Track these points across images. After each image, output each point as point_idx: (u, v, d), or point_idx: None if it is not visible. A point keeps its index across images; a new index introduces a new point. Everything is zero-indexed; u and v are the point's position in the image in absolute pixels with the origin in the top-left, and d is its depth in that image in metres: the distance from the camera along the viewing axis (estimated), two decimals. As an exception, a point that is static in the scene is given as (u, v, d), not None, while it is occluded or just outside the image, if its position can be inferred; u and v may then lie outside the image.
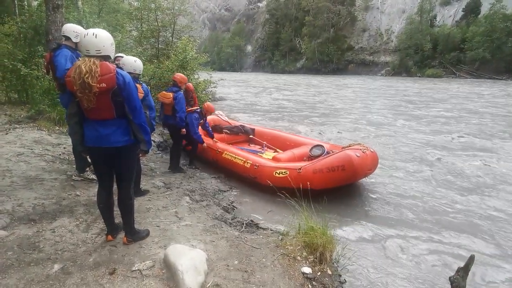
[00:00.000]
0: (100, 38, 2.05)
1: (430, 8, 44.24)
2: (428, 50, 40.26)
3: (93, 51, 2.05)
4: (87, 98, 2.01)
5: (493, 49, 34.14)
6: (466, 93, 19.18)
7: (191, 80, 8.92)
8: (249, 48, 71.29)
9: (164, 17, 11.43)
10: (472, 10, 39.58)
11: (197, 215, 3.21)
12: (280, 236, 2.78)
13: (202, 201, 3.73)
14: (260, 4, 75.62)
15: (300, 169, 4.10)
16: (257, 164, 4.52)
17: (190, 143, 5.23)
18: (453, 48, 38.38)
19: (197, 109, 5.10)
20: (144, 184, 3.87)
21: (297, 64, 55.27)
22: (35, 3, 11.26)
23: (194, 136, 4.97)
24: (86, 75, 1.95)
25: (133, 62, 3.42)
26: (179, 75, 4.68)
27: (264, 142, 6.04)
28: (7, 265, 2.08)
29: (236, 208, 3.94)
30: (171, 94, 4.41)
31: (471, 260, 2.13)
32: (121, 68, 2.21)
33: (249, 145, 6.37)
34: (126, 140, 2.20)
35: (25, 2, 12.43)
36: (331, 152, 4.59)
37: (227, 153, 5.06)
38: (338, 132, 8.66)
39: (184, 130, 4.67)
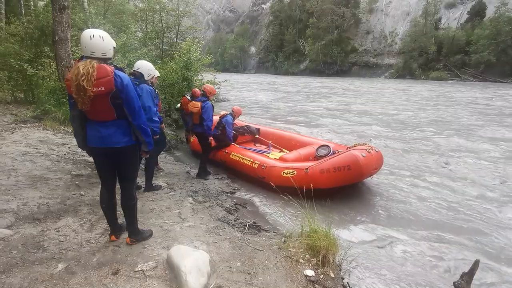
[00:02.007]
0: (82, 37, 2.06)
1: (435, 11, 43.92)
2: (432, 52, 39.98)
3: (88, 52, 2.05)
4: (81, 100, 2.00)
5: (498, 52, 33.88)
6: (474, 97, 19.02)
7: (195, 81, 8.97)
8: (252, 49, 71.30)
9: (169, 18, 11.52)
10: (477, 13, 39.25)
11: (200, 216, 3.21)
12: (283, 238, 2.77)
13: (205, 202, 3.74)
14: (264, 6, 75.69)
15: (307, 169, 4.15)
16: (265, 165, 4.60)
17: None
18: (458, 51, 38.06)
19: (228, 113, 5.51)
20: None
21: (301, 65, 55.13)
22: (41, 4, 11.37)
23: (228, 138, 5.41)
24: (82, 78, 1.94)
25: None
26: (209, 86, 4.85)
27: (270, 142, 6.08)
28: (11, 264, 2.09)
29: (239, 209, 3.94)
30: (199, 104, 4.57)
31: (475, 265, 2.12)
32: (120, 69, 2.17)
33: (254, 145, 6.41)
34: (127, 140, 2.21)
35: (31, 2, 12.56)
36: (336, 152, 4.66)
37: (235, 153, 5.12)
38: (352, 132, 8.64)
39: (212, 138, 4.76)
